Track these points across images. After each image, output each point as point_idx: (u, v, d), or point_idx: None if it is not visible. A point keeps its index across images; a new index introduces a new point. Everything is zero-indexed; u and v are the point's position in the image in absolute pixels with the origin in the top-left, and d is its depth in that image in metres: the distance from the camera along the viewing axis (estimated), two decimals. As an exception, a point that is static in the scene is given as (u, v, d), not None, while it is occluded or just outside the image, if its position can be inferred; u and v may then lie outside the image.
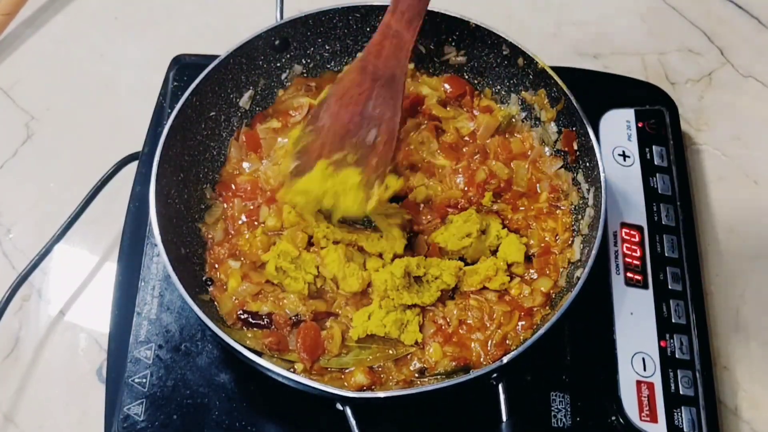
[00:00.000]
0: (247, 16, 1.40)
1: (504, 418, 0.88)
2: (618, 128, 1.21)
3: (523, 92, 1.14)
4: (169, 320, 1.04)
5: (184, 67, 1.24)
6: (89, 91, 1.36)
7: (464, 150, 1.13)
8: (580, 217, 1.06)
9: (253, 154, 1.13)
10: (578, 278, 0.94)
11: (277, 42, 1.13)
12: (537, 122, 1.14)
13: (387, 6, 1.12)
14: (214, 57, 1.09)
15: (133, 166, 1.18)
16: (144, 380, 1.00)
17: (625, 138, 1.20)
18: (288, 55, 1.16)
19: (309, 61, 1.18)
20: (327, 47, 1.17)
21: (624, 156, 1.18)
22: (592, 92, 1.22)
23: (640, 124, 1.21)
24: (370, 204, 0.99)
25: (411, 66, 1.19)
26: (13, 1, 1.39)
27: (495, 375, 0.89)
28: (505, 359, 0.89)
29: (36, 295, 1.17)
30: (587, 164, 1.06)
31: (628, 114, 1.22)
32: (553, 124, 1.12)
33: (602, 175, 1.00)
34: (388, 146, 1.00)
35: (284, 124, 1.15)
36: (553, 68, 1.09)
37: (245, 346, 0.91)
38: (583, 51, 1.40)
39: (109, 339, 1.05)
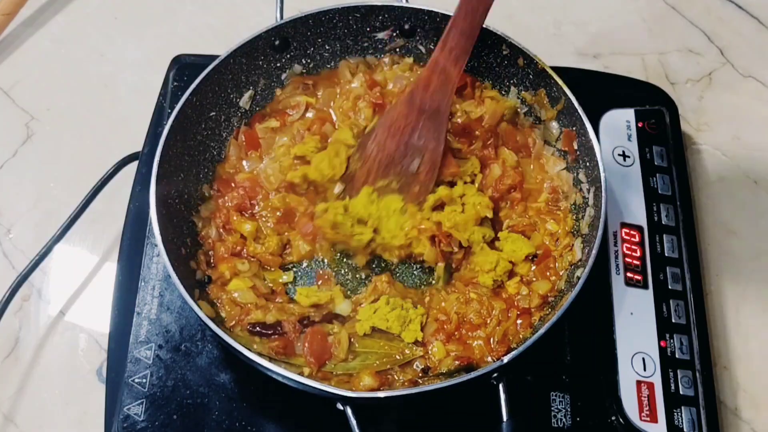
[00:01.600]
0: (247, 16, 1.40)
1: (504, 418, 0.88)
2: (618, 128, 1.21)
3: (523, 92, 1.14)
4: (169, 320, 1.04)
5: (184, 67, 1.24)
6: (89, 91, 1.36)
7: (476, 133, 1.13)
8: (580, 216, 1.06)
9: (254, 153, 1.13)
10: (578, 278, 0.94)
11: (277, 42, 1.13)
12: (538, 121, 1.14)
13: (387, 6, 1.13)
14: (214, 57, 1.09)
15: (133, 166, 1.18)
16: (144, 380, 1.01)
17: (625, 138, 1.20)
18: (288, 55, 1.16)
19: (309, 61, 1.18)
20: (327, 47, 1.17)
21: (624, 156, 1.18)
22: (592, 92, 1.22)
23: (640, 124, 1.21)
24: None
25: (410, 60, 1.19)
26: (13, 1, 1.39)
27: (495, 375, 0.89)
28: (505, 359, 0.89)
29: (36, 295, 1.17)
30: (587, 164, 1.06)
31: (628, 114, 1.22)
32: (554, 122, 1.12)
33: (602, 175, 1.00)
34: (430, 175, 1.07)
35: (282, 123, 1.15)
36: (553, 68, 1.09)
37: (251, 350, 0.92)
38: (583, 51, 1.41)
39: (109, 339, 1.05)
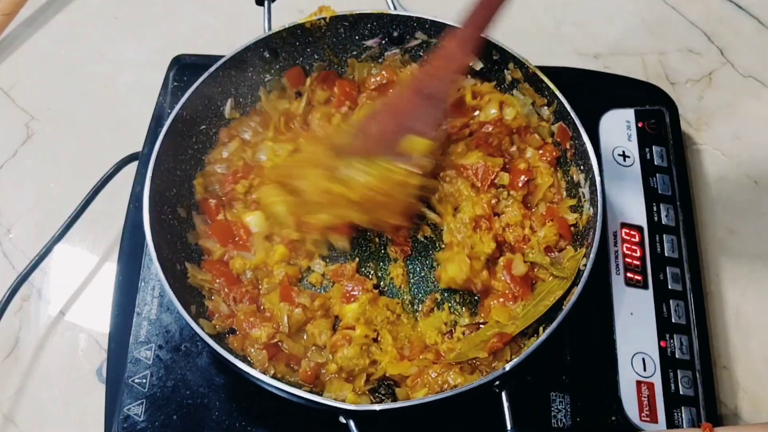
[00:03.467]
0: (248, 16, 1.39)
1: (508, 426, 0.88)
2: (618, 128, 1.21)
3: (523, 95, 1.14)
4: (169, 320, 1.04)
5: (184, 67, 1.24)
6: (89, 91, 1.36)
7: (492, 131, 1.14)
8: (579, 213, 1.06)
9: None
10: (578, 281, 0.94)
11: (266, 53, 1.12)
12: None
13: (375, 13, 1.13)
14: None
15: (133, 166, 1.18)
16: (144, 380, 1.00)
17: (625, 138, 1.20)
18: (277, 66, 1.15)
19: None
20: (316, 56, 1.17)
21: (624, 156, 1.18)
22: (592, 92, 1.23)
23: (640, 124, 1.21)
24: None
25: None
26: (13, 1, 1.39)
27: (498, 383, 0.89)
28: (507, 366, 0.88)
29: (36, 295, 1.17)
30: (582, 166, 1.06)
31: (628, 114, 1.22)
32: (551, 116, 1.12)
33: (597, 178, 1.00)
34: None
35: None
36: (554, 68, 1.09)
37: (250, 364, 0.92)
38: (583, 51, 1.40)
39: (109, 339, 1.05)
